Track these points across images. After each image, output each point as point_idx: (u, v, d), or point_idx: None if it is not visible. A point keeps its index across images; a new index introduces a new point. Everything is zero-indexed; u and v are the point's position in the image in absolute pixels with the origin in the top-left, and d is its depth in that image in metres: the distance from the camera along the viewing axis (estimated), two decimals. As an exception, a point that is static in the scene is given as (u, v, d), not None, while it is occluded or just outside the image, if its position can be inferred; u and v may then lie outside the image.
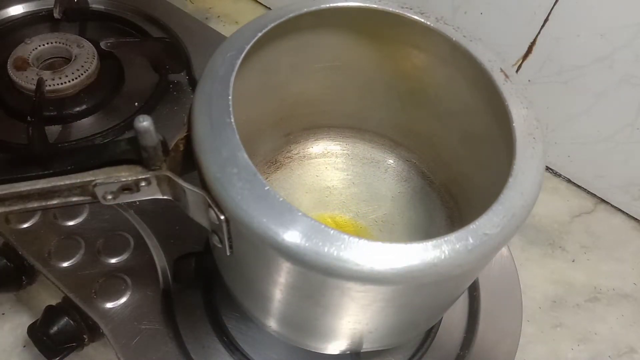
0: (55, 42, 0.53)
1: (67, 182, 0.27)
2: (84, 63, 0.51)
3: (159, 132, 0.27)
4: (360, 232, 0.44)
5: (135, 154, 0.27)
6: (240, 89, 0.30)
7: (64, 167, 0.28)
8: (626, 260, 0.59)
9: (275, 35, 0.33)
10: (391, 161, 0.46)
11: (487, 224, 0.26)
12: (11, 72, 0.50)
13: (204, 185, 0.27)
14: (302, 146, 0.46)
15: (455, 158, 0.41)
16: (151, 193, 0.29)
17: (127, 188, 0.28)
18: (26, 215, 0.44)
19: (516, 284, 0.48)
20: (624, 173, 0.60)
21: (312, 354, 0.37)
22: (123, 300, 0.41)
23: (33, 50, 0.52)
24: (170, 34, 0.59)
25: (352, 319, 0.31)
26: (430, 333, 0.43)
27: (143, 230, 0.44)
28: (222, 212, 0.26)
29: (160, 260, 0.43)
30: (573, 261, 0.58)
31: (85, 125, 0.50)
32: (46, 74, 0.50)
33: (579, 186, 0.64)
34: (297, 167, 0.46)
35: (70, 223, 0.44)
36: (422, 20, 0.34)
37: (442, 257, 0.25)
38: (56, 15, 0.57)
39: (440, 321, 0.44)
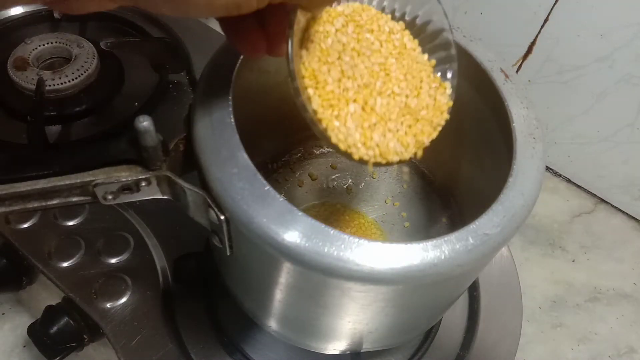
0: (55, 42, 0.53)
1: (67, 182, 0.27)
2: (84, 63, 0.51)
3: (159, 132, 0.27)
4: (359, 221, 0.44)
5: (135, 154, 0.27)
6: (240, 89, 0.30)
7: (64, 167, 0.28)
8: (626, 260, 0.59)
9: (275, 35, 0.33)
10: (391, 161, 0.46)
11: (487, 224, 0.26)
12: (11, 72, 0.50)
13: (204, 185, 0.27)
14: (302, 146, 0.46)
15: (455, 158, 0.41)
16: (151, 193, 0.29)
17: (127, 188, 0.28)
18: (26, 215, 0.44)
19: (516, 284, 0.48)
20: (624, 173, 0.60)
21: (312, 354, 0.37)
22: (123, 300, 0.41)
23: (33, 50, 0.52)
24: (170, 34, 0.59)
25: (352, 319, 0.31)
26: (430, 333, 0.43)
27: (143, 230, 0.44)
28: (222, 212, 0.26)
29: (160, 260, 0.43)
30: (573, 261, 0.58)
31: (86, 125, 0.50)
32: (46, 74, 0.50)
33: (579, 186, 0.64)
34: (297, 167, 0.46)
35: (70, 223, 0.44)
36: (422, 20, 0.34)
37: (442, 257, 0.25)
38: (56, 15, 0.57)
39: (440, 321, 0.44)
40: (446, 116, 0.30)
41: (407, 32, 0.30)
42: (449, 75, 0.30)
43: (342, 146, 0.27)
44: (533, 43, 0.56)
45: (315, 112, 0.26)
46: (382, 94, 0.28)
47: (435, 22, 0.30)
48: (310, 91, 0.27)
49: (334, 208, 0.44)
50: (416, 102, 0.29)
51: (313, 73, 0.27)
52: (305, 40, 0.27)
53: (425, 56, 0.31)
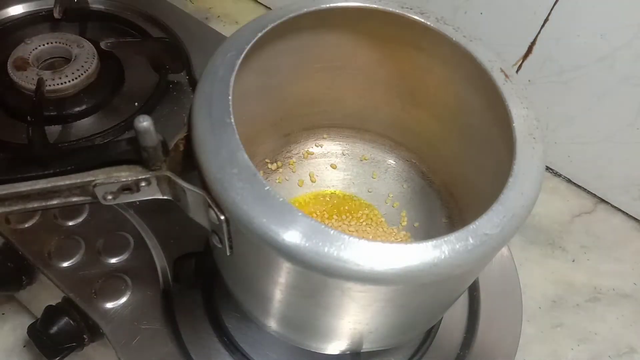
0: (55, 42, 0.53)
1: (67, 182, 0.27)
2: (84, 63, 0.51)
3: (159, 132, 0.27)
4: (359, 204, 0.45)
5: (135, 154, 0.27)
6: (240, 89, 0.30)
7: (64, 167, 0.28)
8: (626, 260, 0.59)
9: (275, 35, 0.33)
10: (391, 161, 0.46)
11: (487, 224, 0.26)
12: (11, 72, 0.50)
13: (204, 185, 0.27)
14: (302, 146, 0.46)
15: (455, 158, 0.41)
16: (151, 193, 0.29)
17: (127, 188, 0.28)
18: (26, 215, 0.44)
19: (516, 284, 0.48)
20: (624, 173, 0.60)
21: (312, 354, 0.37)
22: (123, 300, 0.41)
23: (33, 50, 0.52)
24: (170, 34, 0.59)
25: (352, 319, 0.31)
26: (430, 333, 0.43)
27: (143, 230, 0.44)
28: (222, 212, 0.26)
29: (160, 260, 0.43)
30: (573, 261, 0.58)
31: (85, 125, 0.50)
32: (46, 74, 0.50)
33: (579, 186, 0.64)
34: (297, 167, 0.46)
35: (70, 223, 0.44)
36: (422, 20, 0.34)
37: (442, 257, 0.25)
38: (56, 15, 0.57)
39: (440, 321, 0.44)
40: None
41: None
42: None
43: None
44: (533, 43, 0.56)
45: None
46: None
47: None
48: None
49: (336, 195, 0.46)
50: None
51: None
52: None
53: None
